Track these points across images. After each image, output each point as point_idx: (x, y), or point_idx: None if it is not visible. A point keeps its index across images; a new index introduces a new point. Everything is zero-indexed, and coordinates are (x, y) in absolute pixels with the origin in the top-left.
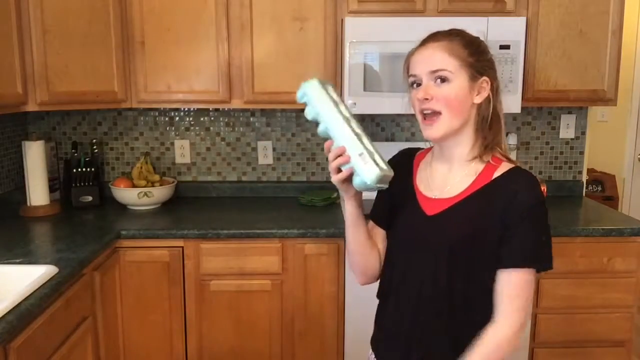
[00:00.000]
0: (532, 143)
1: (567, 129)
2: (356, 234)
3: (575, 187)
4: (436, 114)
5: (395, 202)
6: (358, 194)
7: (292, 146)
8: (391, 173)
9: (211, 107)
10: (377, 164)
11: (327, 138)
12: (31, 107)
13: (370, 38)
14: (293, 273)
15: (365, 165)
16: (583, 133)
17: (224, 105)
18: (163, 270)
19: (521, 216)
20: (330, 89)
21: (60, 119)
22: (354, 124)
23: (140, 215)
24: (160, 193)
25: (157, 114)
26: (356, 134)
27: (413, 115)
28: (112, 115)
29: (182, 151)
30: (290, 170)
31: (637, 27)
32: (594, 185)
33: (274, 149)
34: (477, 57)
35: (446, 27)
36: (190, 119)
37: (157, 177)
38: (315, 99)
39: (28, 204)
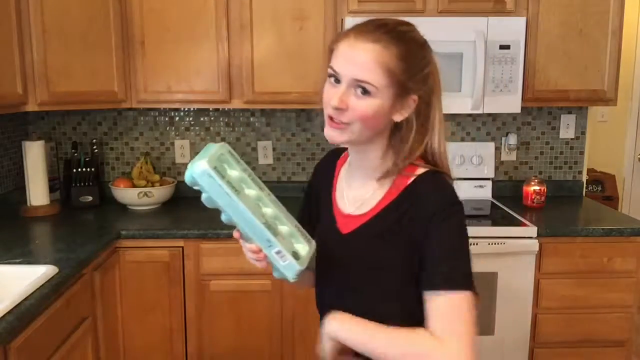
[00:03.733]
0: (532, 143)
1: (567, 129)
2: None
3: (575, 187)
4: (346, 124)
5: (318, 205)
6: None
7: (292, 146)
8: (313, 257)
9: (211, 107)
10: (296, 257)
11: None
12: (31, 107)
13: None
14: None
15: (283, 263)
16: (583, 133)
17: (224, 105)
18: (163, 270)
19: (428, 226)
20: (227, 163)
21: (60, 119)
22: (265, 204)
23: (140, 215)
24: (160, 193)
25: (157, 114)
26: (268, 225)
27: None
28: (112, 115)
29: (182, 151)
30: (290, 170)
31: (637, 27)
32: (594, 185)
33: (274, 149)
34: (410, 74)
35: (446, 28)
36: (190, 119)
37: (157, 177)
38: (209, 189)
39: (28, 204)
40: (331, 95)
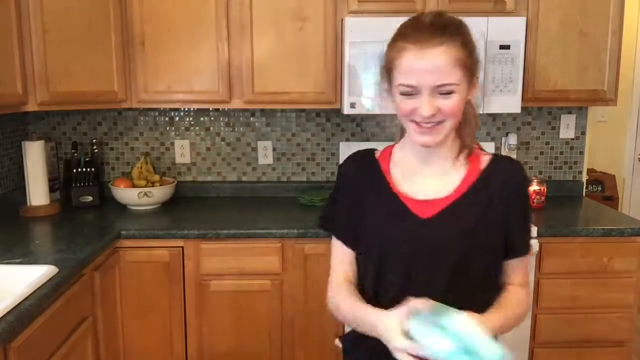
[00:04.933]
0: (532, 143)
1: (567, 129)
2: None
3: (575, 187)
4: (439, 122)
5: (362, 206)
6: None
7: (292, 146)
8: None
9: (211, 107)
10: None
11: None
12: (31, 107)
13: (370, 38)
14: (293, 273)
15: None
16: (583, 133)
17: (224, 105)
18: (163, 270)
19: (518, 203)
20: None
21: (60, 119)
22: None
23: (140, 215)
24: (160, 193)
25: (157, 114)
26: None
27: None
28: (112, 115)
29: (182, 151)
30: (290, 170)
31: (637, 27)
32: (594, 185)
33: (274, 149)
34: (473, 57)
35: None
36: (190, 119)
37: (157, 177)
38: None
39: (28, 204)
40: (414, 107)
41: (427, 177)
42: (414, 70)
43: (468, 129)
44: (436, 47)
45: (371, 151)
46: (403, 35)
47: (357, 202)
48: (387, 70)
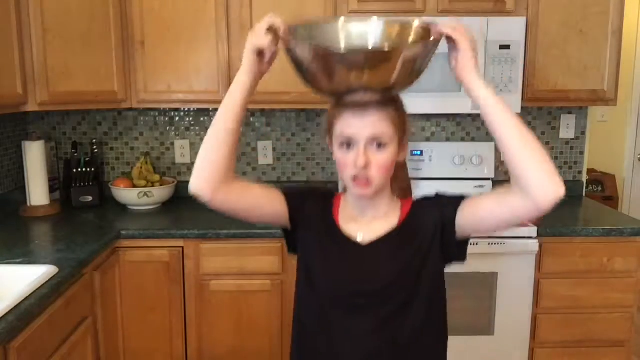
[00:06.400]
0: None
1: (567, 129)
2: (236, 116)
3: (575, 187)
4: (371, 176)
5: (313, 232)
6: (258, 76)
7: (292, 146)
8: None
9: (211, 107)
10: None
11: None
12: (31, 107)
13: None
14: (293, 273)
15: None
16: (583, 133)
17: None
18: (163, 270)
19: (444, 205)
20: None
21: (60, 119)
22: None
23: (140, 215)
24: (160, 193)
25: (157, 114)
26: None
27: (413, 115)
28: (112, 115)
29: (182, 151)
30: (290, 170)
31: (637, 27)
32: (594, 185)
33: (274, 149)
34: (404, 121)
35: None
36: (190, 119)
37: (157, 177)
38: None
39: (28, 204)
40: (351, 159)
41: (363, 225)
42: (352, 123)
43: (396, 184)
44: (373, 106)
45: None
46: (344, 99)
47: (303, 213)
48: (329, 126)
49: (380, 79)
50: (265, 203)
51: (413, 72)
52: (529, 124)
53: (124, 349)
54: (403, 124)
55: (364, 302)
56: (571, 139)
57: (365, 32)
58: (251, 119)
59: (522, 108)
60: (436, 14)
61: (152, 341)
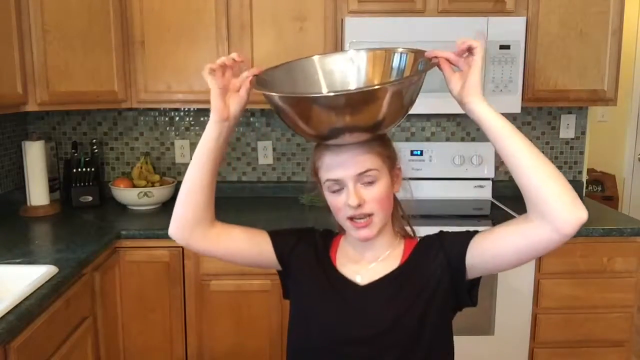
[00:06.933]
0: (532, 143)
1: (567, 129)
2: (206, 172)
3: (576, 187)
4: (368, 215)
5: (306, 275)
6: (233, 122)
7: (292, 146)
8: None
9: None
10: None
11: None
12: (31, 107)
13: (370, 38)
14: None
15: None
16: (583, 133)
17: None
18: (163, 270)
19: (451, 245)
20: None
21: (60, 119)
22: None
23: (140, 215)
24: (160, 193)
25: (157, 114)
26: None
27: (413, 115)
28: (112, 115)
29: (182, 151)
30: (290, 170)
31: (637, 27)
32: (594, 185)
33: (274, 149)
34: (390, 148)
35: (446, 28)
36: (190, 119)
37: (157, 177)
38: None
39: (28, 204)
40: (343, 201)
41: (363, 264)
42: (335, 165)
43: (397, 221)
44: (353, 143)
45: (332, 234)
46: (324, 144)
47: (291, 255)
48: (315, 172)
49: (366, 118)
50: (246, 248)
51: (403, 107)
52: (528, 124)
53: (124, 349)
54: (389, 151)
55: (361, 350)
56: (571, 138)
57: (342, 70)
58: (251, 119)
59: (522, 108)
60: (436, 14)
61: (152, 341)
